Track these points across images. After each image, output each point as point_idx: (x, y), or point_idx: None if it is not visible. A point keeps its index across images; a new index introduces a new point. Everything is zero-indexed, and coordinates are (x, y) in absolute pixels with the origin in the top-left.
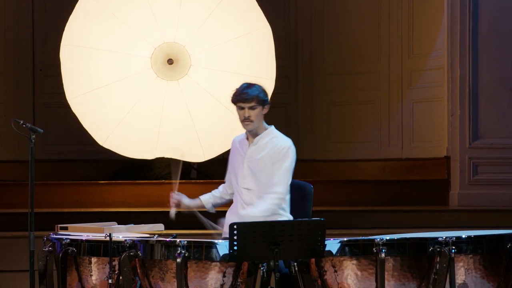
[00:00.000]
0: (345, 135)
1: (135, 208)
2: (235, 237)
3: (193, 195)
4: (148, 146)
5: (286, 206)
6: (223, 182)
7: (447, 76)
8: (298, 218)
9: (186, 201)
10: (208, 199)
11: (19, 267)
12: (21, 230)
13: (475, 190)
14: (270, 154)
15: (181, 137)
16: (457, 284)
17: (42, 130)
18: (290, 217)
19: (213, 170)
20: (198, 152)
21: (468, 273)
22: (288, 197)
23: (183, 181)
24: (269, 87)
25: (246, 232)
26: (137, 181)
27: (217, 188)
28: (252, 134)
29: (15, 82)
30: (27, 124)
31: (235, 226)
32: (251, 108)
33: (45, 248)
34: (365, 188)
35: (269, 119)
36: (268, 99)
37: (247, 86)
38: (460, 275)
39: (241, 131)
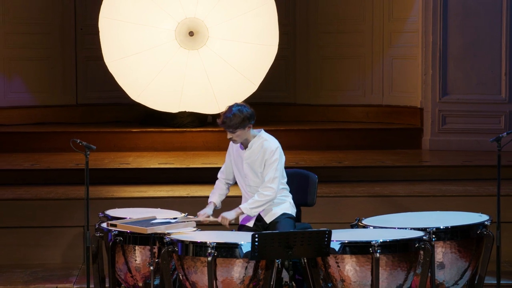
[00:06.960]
0: (335, 84)
1: (162, 152)
2: (256, 243)
3: (210, 142)
4: (173, 102)
5: (287, 191)
6: None
7: (421, 41)
8: (300, 205)
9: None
10: (218, 200)
11: (71, 223)
12: (74, 184)
13: (443, 137)
14: (262, 155)
15: (200, 95)
16: (436, 264)
17: (95, 147)
18: (291, 201)
19: None
20: (214, 105)
21: (445, 255)
22: (285, 180)
23: (201, 129)
24: (273, 53)
25: (265, 240)
26: (164, 129)
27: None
28: (244, 143)
29: (60, 39)
30: (83, 143)
31: (256, 236)
32: (233, 132)
33: (97, 234)
34: (352, 134)
35: (272, 71)
36: (249, 121)
37: (229, 116)
38: (439, 257)
39: None
